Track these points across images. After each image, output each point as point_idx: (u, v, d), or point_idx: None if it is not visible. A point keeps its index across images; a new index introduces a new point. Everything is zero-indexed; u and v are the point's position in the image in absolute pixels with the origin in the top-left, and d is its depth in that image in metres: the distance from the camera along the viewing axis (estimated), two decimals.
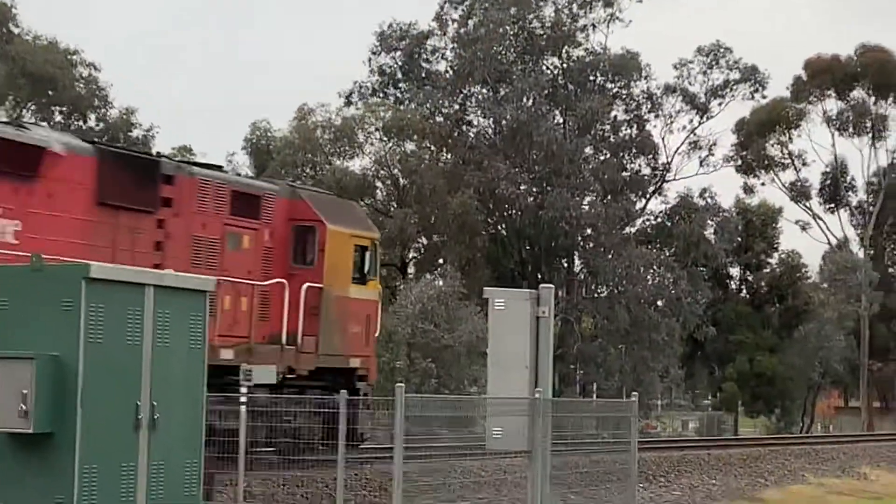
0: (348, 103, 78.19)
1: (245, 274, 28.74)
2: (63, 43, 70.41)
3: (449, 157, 76.92)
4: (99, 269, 14.63)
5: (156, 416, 14.82)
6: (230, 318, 27.58)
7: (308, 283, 29.90)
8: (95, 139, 35.95)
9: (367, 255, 32.89)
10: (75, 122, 69.86)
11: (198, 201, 27.97)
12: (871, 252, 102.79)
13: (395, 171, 75.49)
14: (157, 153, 36.78)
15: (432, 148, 76.75)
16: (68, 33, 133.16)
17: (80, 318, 14.03)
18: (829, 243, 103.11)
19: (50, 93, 68.58)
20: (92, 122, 71.71)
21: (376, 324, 33.17)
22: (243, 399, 21.12)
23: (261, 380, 22.14)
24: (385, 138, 74.98)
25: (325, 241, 31.01)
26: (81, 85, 70.53)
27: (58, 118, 69.31)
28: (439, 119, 76.89)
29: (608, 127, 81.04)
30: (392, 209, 72.05)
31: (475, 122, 79.13)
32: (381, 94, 79.41)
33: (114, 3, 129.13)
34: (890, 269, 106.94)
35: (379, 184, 76.28)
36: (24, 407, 13.84)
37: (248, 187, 30.95)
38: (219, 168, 32.32)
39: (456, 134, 77.44)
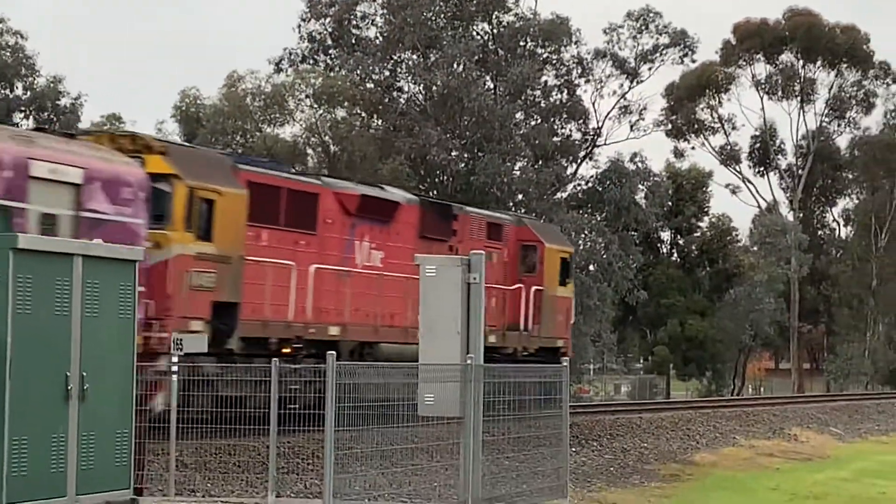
0: (278, 70, 77.69)
1: (494, 281, 39.48)
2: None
3: (380, 123, 76.73)
4: (26, 240, 14.55)
5: (86, 387, 14.76)
6: (489, 312, 33.09)
7: (534, 287, 43.54)
8: (418, 194, 49.44)
9: (566, 264, 47.19)
10: (1, 91, 69.02)
11: (469, 231, 41.51)
12: (801, 215, 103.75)
13: (326, 138, 75.24)
14: (447, 202, 48.32)
15: (363, 115, 76.57)
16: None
17: (8, 289, 13.95)
18: (759, 206, 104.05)
19: None
20: (19, 91, 70.90)
21: (571, 314, 47.90)
22: (174, 369, 21.01)
23: (191, 349, 22.04)
24: (315, 105, 74.74)
25: (544, 256, 44.97)
26: (7, 53, 69.72)
27: None
28: (370, 85, 76.65)
29: (539, 92, 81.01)
30: (323, 175, 71.84)
31: (406, 89, 78.90)
32: (311, 61, 79.02)
33: None
34: (819, 232, 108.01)
35: (310, 151, 75.94)
36: None
37: (497, 219, 44.89)
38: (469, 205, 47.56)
39: (386, 100, 77.26)
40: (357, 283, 36.16)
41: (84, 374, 14.74)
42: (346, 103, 74.55)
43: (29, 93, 71.07)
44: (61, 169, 24.46)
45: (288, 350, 32.48)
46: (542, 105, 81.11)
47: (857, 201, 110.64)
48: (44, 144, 24.73)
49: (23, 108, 68.35)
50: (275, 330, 32.73)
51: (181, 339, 21.90)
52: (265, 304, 32.36)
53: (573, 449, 31.29)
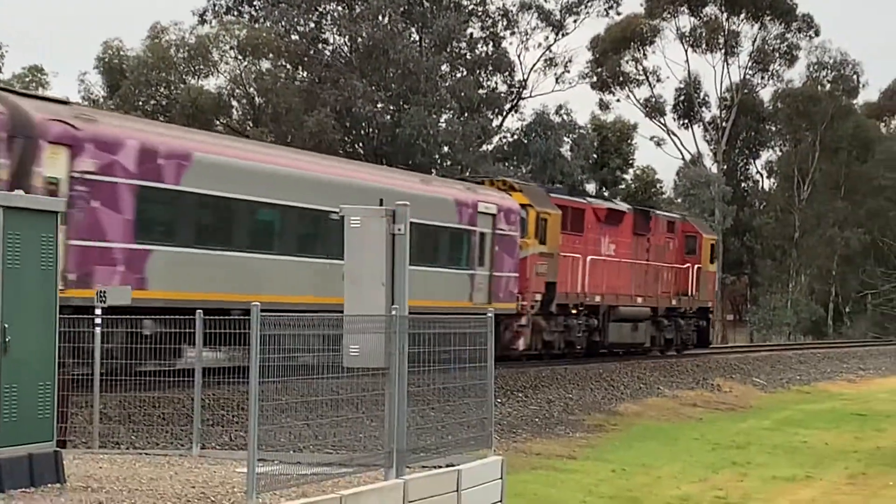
0: (202, 21, 77.22)
1: (672, 262, 60.82)
2: None
3: (305, 75, 76.48)
4: None
5: (7, 339, 14.64)
6: (667, 284, 60.04)
7: (696, 265, 62.37)
8: (632, 204, 64.41)
9: (713, 248, 66.21)
10: None
11: (657, 228, 59.76)
12: (724, 167, 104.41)
13: (251, 90, 74.93)
14: (647, 208, 65.24)
15: (288, 66, 76.28)
16: None
17: None
18: (683, 159, 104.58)
19: None
20: None
21: (716, 284, 68.90)
22: (98, 321, 20.88)
23: (115, 301, 21.91)
24: (240, 57, 74.42)
25: (701, 243, 63.38)
26: None
27: None
28: (295, 37, 76.30)
29: (464, 45, 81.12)
30: (248, 128, 71.51)
31: (331, 41, 78.69)
32: (236, 12, 78.49)
33: None
34: (742, 184, 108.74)
35: (235, 103, 75.74)
36: None
37: (671, 218, 63.52)
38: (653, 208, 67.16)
39: (312, 52, 76.92)
40: (605, 267, 53.77)
41: (6, 325, 14.62)
42: (270, 55, 74.31)
43: None
44: (489, 206, 44.27)
45: (574, 311, 51.29)
46: (468, 57, 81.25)
47: (780, 153, 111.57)
48: (480, 191, 45.40)
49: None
50: (571, 298, 51.06)
51: (105, 292, 21.74)
52: (567, 282, 50.44)
53: (499, 400, 31.41)
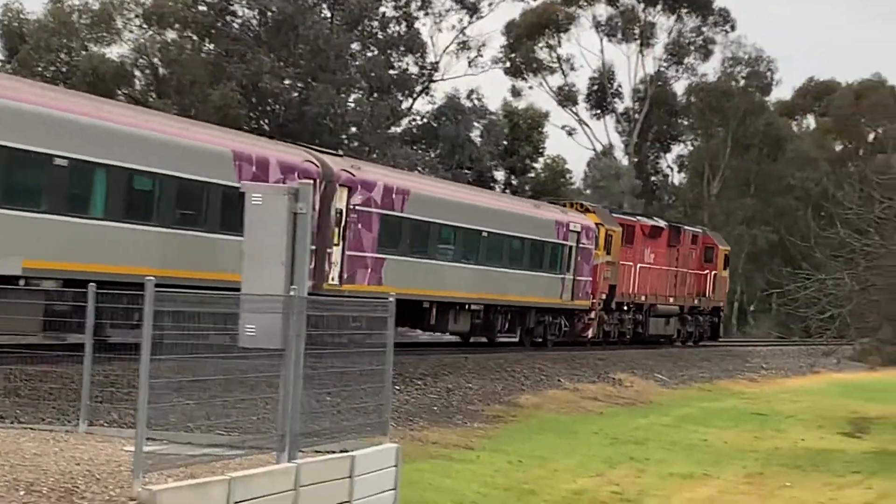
0: None
1: (692, 268, 73.13)
2: None
3: (211, 47, 76.20)
4: None
5: None
6: (690, 286, 73.07)
7: (713, 271, 75.44)
8: (668, 221, 75.56)
9: (727, 257, 79.02)
10: None
11: (684, 240, 71.88)
12: (635, 160, 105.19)
13: (155, 60, 74.55)
14: (677, 224, 76.14)
15: (194, 38, 75.94)
16: None
17: None
18: (594, 150, 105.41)
19: None
20: None
21: (727, 287, 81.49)
22: None
23: (5, 270, 21.74)
24: (145, 26, 74.06)
25: (717, 253, 76.45)
26: None
27: None
28: (202, 8, 76.02)
29: (376, 23, 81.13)
30: (151, 99, 70.96)
31: (240, 13, 78.45)
32: None
33: None
34: (652, 178, 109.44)
35: (138, 73, 75.26)
36: None
37: (695, 232, 75.06)
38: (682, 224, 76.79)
39: (219, 24, 76.66)
40: (648, 273, 67.15)
41: None
42: (177, 25, 74.05)
43: None
44: (576, 226, 58.15)
45: (626, 308, 65.44)
46: (380, 37, 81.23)
47: (691, 148, 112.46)
48: (570, 214, 59.39)
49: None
50: (625, 298, 64.83)
51: None
52: (622, 285, 64.04)
53: (397, 387, 31.40)
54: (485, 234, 51.19)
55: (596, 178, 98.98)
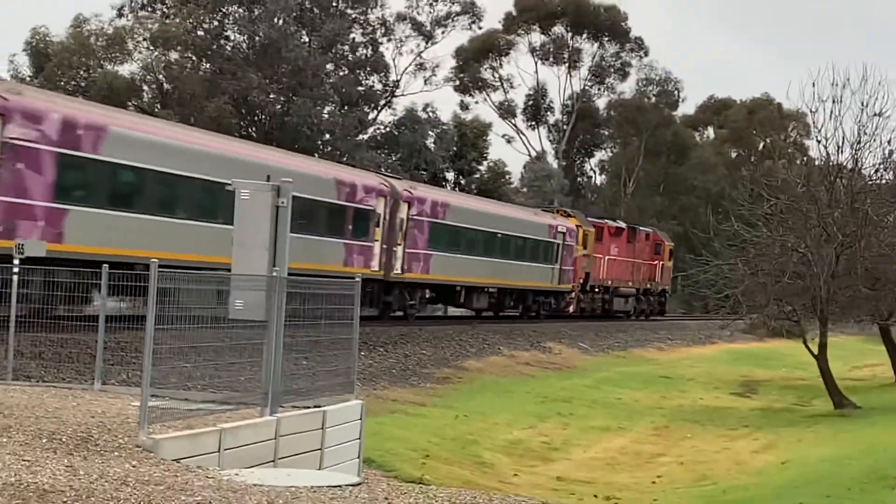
0: (120, 15, 76.49)
1: (644, 259, 77.31)
2: None
3: (208, 66, 75.76)
4: None
5: None
6: (643, 274, 77.27)
7: (661, 262, 79.62)
8: (627, 222, 79.65)
9: (672, 251, 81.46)
10: None
11: (638, 238, 76.32)
12: (564, 164, 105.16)
13: (160, 76, 74.13)
14: (634, 225, 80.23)
15: (193, 58, 75.57)
16: None
17: None
18: (529, 155, 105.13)
19: None
20: None
21: (671, 273, 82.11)
22: (15, 270, 20.52)
23: (32, 253, 21.57)
24: (152, 47, 73.64)
25: (664, 248, 79.99)
26: None
27: None
28: (200, 33, 75.71)
29: (347, 47, 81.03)
30: (156, 110, 70.57)
31: (232, 38, 78.21)
32: (150, 8, 77.78)
33: None
34: (578, 178, 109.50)
35: (145, 87, 74.71)
36: None
37: (647, 232, 78.21)
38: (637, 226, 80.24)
39: (215, 47, 76.44)
40: (612, 263, 72.52)
41: None
42: (179, 47, 73.69)
43: None
44: (562, 228, 63.26)
45: (597, 290, 71.04)
46: (350, 59, 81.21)
47: (610, 154, 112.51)
48: (558, 219, 64.39)
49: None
50: (595, 282, 69.95)
51: (23, 245, 21.36)
52: (594, 273, 69.22)
53: (362, 353, 31.40)
54: (499, 235, 56.96)
55: (531, 178, 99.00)
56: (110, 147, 30.25)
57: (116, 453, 13.36)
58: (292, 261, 27.61)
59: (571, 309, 68.01)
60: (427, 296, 52.95)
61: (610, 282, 72.89)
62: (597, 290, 71.33)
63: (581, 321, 66.08)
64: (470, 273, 53.72)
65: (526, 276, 59.98)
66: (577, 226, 66.71)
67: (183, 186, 33.05)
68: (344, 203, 42.26)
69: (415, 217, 48.08)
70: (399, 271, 46.98)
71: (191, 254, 31.70)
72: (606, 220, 74.75)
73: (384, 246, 45.21)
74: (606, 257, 71.75)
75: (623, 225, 76.18)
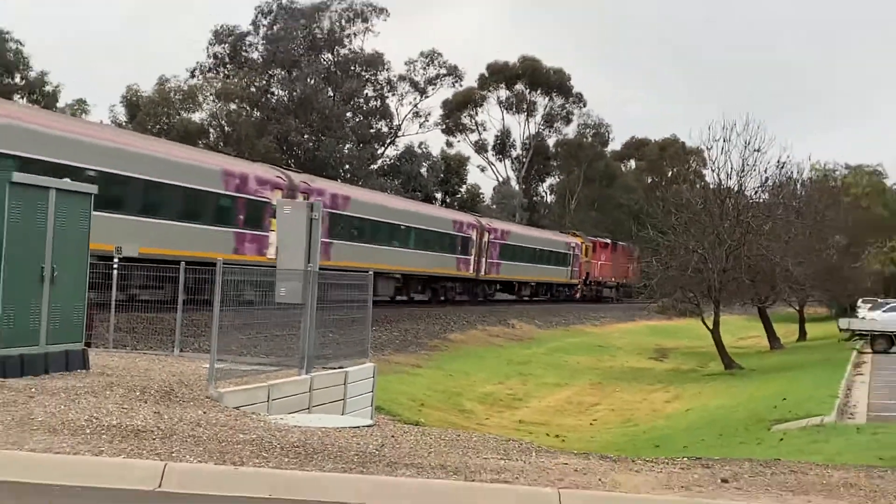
0: (193, 76, 76.54)
1: (621, 263, 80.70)
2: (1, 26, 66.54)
3: (258, 114, 75.77)
4: (19, 176, 14.04)
5: (55, 276, 14.36)
6: (620, 273, 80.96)
7: (630, 265, 78.23)
8: (611, 240, 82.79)
9: (638, 257, 67.50)
10: (4, 80, 65.89)
11: (617, 249, 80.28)
12: (523, 187, 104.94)
13: (223, 122, 74.14)
14: (607, 240, 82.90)
15: (247, 108, 75.57)
16: (1, 14, 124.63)
17: (4, 207, 13.51)
18: (498, 180, 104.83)
19: None
20: (17, 80, 67.78)
21: (637, 272, 69.18)
22: (115, 266, 20.46)
23: (127, 254, 21.51)
24: (217, 100, 73.67)
25: (633, 255, 75.17)
26: (11, 54, 66.59)
27: None
28: (252, 89, 75.75)
29: (362, 100, 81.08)
30: (220, 147, 70.56)
31: (276, 93, 78.21)
32: (215, 71, 77.78)
33: None
34: (534, 198, 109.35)
35: (211, 130, 74.71)
36: None
37: (623, 245, 77.90)
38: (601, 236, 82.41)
39: (263, 99, 76.49)
40: (602, 266, 78.53)
41: (54, 266, 14.34)
42: (236, 100, 73.71)
43: (24, 81, 68.09)
44: (574, 243, 72.77)
45: (593, 283, 76.52)
46: (364, 108, 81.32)
47: (558, 180, 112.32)
48: (571, 238, 73.71)
49: (19, 93, 65.61)
50: (591, 278, 76.83)
51: (121, 248, 21.29)
52: (591, 273, 75.59)
53: (374, 328, 31.43)
54: (537, 250, 65.45)
55: (499, 198, 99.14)
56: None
57: (191, 403, 13.36)
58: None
59: (578, 295, 75.05)
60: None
61: (601, 278, 79.80)
62: (592, 283, 78.23)
63: (544, 304, 66.04)
64: (526, 275, 64.18)
65: (553, 275, 69.53)
66: (581, 242, 74.66)
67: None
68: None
69: (492, 240, 57.31)
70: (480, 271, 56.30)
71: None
72: (598, 238, 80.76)
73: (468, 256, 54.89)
74: (598, 262, 78.91)
75: (609, 241, 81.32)
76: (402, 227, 45.15)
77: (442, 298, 52.17)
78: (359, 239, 40.64)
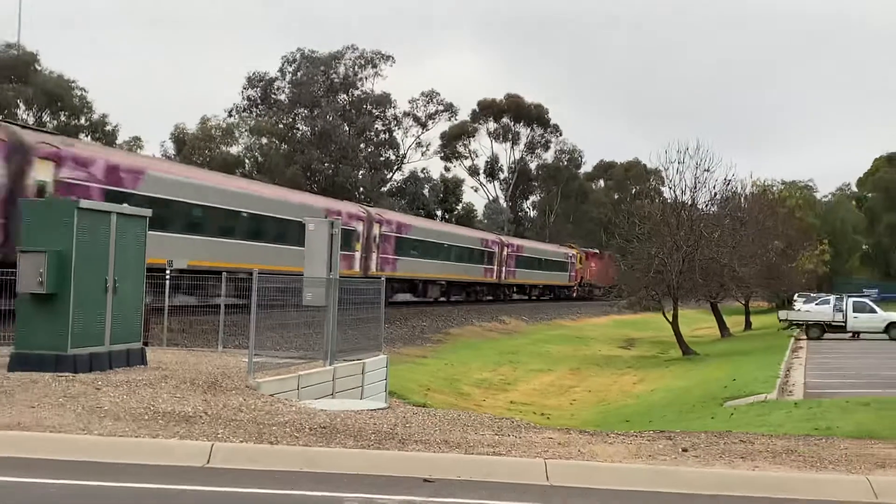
0: (230, 115, 76.88)
1: (607, 269, 65.78)
2: (66, 75, 66.47)
3: (285, 146, 75.90)
4: (85, 203, 14.05)
5: (116, 286, 14.36)
6: (608, 276, 61.86)
7: (610, 269, 63.90)
8: (598, 250, 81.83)
9: (619, 264, 52.49)
10: (72, 122, 65.87)
11: (603, 257, 71.36)
12: (510, 204, 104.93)
13: (256, 154, 74.31)
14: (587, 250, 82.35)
15: (276, 142, 75.71)
16: (69, 65, 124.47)
17: (73, 229, 13.53)
18: (488, 199, 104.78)
19: (58, 104, 64.63)
20: (83, 122, 67.76)
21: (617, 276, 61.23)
22: (168, 277, 20.41)
23: (178, 266, 21.46)
24: (250, 135, 73.91)
25: (615, 262, 56.82)
26: (77, 100, 66.59)
27: (63, 119, 65.29)
28: (280, 126, 76.01)
29: (373, 133, 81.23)
30: (254, 175, 70.65)
31: (300, 128, 78.37)
32: (248, 111, 78.05)
33: (93, 39, 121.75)
34: (519, 213, 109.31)
35: (247, 161, 74.78)
36: (40, 278, 13.31)
37: (610, 253, 65.74)
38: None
39: (289, 134, 76.64)
40: (592, 270, 78.40)
41: (116, 278, 14.33)
42: (267, 135, 73.86)
43: (88, 122, 68.11)
44: (570, 253, 74.47)
45: (585, 286, 78.87)
46: (374, 140, 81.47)
47: (539, 198, 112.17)
48: (568, 249, 75.74)
49: (85, 132, 65.72)
50: (584, 281, 77.12)
51: (171, 261, 21.22)
52: (584, 276, 76.18)
53: (386, 325, 31.42)
54: (543, 259, 68.47)
55: (489, 213, 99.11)
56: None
57: (233, 391, 13.35)
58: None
59: (575, 294, 78.18)
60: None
61: (592, 281, 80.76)
62: (585, 285, 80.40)
63: (531, 303, 66.03)
64: (535, 278, 67.61)
65: (554, 279, 72.21)
66: (576, 252, 77.28)
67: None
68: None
69: (511, 254, 61.22)
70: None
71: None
72: (589, 249, 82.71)
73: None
74: (590, 268, 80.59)
75: (597, 251, 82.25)
76: (445, 245, 50.81)
77: (472, 299, 58.00)
78: (416, 255, 46.29)
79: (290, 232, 32.25)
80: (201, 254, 28.44)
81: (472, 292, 57.74)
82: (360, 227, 38.67)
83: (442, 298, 52.76)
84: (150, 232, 15.21)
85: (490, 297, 60.73)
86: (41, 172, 22.60)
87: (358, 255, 38.58)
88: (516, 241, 65.80)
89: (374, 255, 40.54)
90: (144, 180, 26.68)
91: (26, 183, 22.08)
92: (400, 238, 44.40)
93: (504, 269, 60.96)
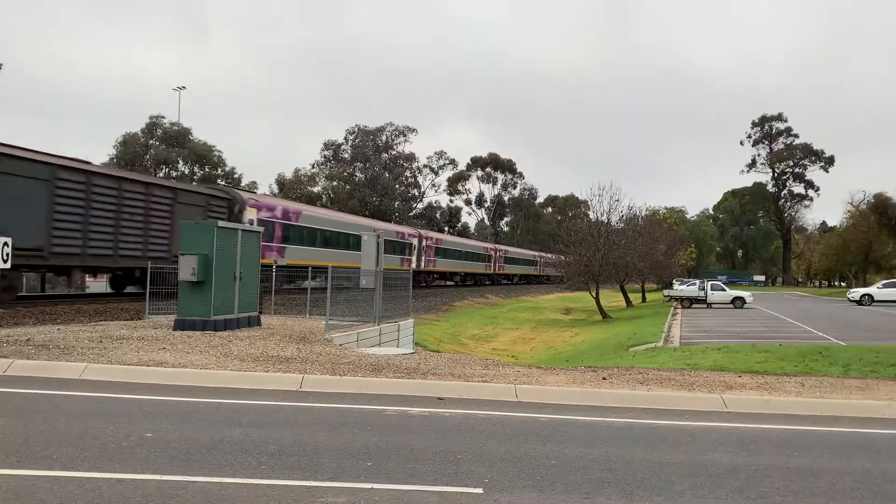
0: (312, 167, 76.77)
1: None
2: (209, 141, 66.45)
3: (348, 187, 75.79)
4: (222, 223, 14.04)
5: (241, 277, 14.33)
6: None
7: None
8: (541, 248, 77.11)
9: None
10: (212, 172, 65.78)
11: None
12: (492, 223, 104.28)
13: (330, 192, 74.17)
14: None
15: (342, 184, 75.57)
16: (211, 134, 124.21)
17: (213, 240, 13.49)
18: (477, 221, 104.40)
19: (203, 160, 64.65)
20: (219, 172, 67.68)
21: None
22: (274, 270, 20.28)
23: (279, 263, 21.31)
24: (326, 180, 73.78)
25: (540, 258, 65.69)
26: (216, 158, 66.56)
27: (207, 170, 65.27)
28: (345, 174, 75.81)
29: (404, 178, 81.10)
30: (328, 205, 70.62)
31: (357, 175, 78.18)
32: (324, 164, 77.97)
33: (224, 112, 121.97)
34: (497, 230, 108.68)
35: (324, 196, 74.75)
36: (193, 271, 13.29)
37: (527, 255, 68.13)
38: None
39: (351, 179, 76.44)
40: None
41: (241, 272, 14.31)
42: (336, 180, 73.66)
43: (223, 172, 68.01)
44: (534, 255, 65.23)
45: (548, 277, 67.67)
46: (405, 183, 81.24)
47: (510, 219, 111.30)
48: (537, 252, 67.64)
49: (221, 178, 65.55)
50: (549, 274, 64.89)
51: (276, 260, 21.08)
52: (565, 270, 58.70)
53: (413, 300, 31.37)
54: (521, 258, 67.70)
55: (479, 230, 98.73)
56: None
57: (316, 342, 13.33)
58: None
59: (539, 281, 73.90)
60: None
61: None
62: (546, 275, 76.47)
63: (516, 286, 67.00)
64: (516, 270, 66.36)
65: (528, 271, 70.65)
66: (542, 253, 74.50)
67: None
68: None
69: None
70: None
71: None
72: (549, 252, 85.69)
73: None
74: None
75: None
76: (462, 251, 54.27)
77: (475, 284, 60.43)
78: (447, 258, 49.48)
79: (353, 241, 32.34)
80: (330, 258, 29.01)
81: (476, 279, 60.12)
82: (415, 241, 42.65)
83: (459, 283, 56.14)
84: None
85: (488, 283, 62.64)
86: (249, 214, 24.05)
87: (414, 257, 42.69)
88: (505, 248, 67.29)
89: (423, 258, 44.47)
90: (301, 216, 28.05)
91: (243, 222, 23.32)
92: (437, 248, 47.92)
93: (497, 265, 63.66)
